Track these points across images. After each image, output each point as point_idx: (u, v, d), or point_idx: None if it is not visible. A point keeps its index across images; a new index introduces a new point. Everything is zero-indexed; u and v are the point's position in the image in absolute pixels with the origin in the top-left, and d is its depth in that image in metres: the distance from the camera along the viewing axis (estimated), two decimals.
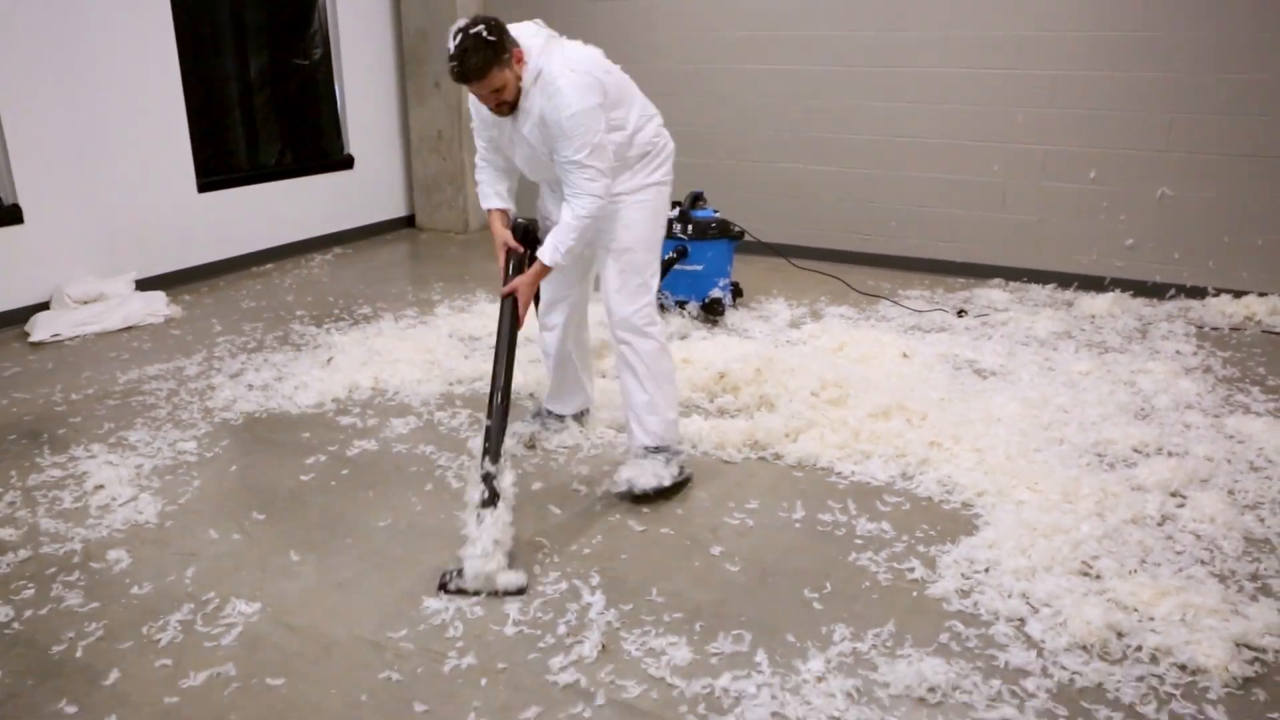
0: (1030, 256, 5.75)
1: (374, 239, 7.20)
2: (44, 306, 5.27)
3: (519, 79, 2.87)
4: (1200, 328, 4.94)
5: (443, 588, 2.69)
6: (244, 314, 5.33)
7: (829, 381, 3.86)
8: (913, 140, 5.89)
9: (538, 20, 3.03)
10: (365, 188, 7.14)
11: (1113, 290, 5.51)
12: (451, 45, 2.80)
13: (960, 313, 5.11)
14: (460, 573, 2.69)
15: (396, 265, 6.44)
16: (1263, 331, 4.90)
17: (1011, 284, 5.75)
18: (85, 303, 5.29)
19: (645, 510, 3.13)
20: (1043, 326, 4.86)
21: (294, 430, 3.81)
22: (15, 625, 2.61)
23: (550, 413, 3.72)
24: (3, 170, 5.10)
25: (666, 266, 4.59)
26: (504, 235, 3.18)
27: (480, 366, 4.35)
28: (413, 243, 7.15)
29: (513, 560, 2.76)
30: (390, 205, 7.41)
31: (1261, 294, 5.22)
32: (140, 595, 2.73)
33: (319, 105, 6.82)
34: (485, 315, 5.12)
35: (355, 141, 7.02)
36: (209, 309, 5.45)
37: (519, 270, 3.12)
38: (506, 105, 2.92)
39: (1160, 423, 3.73)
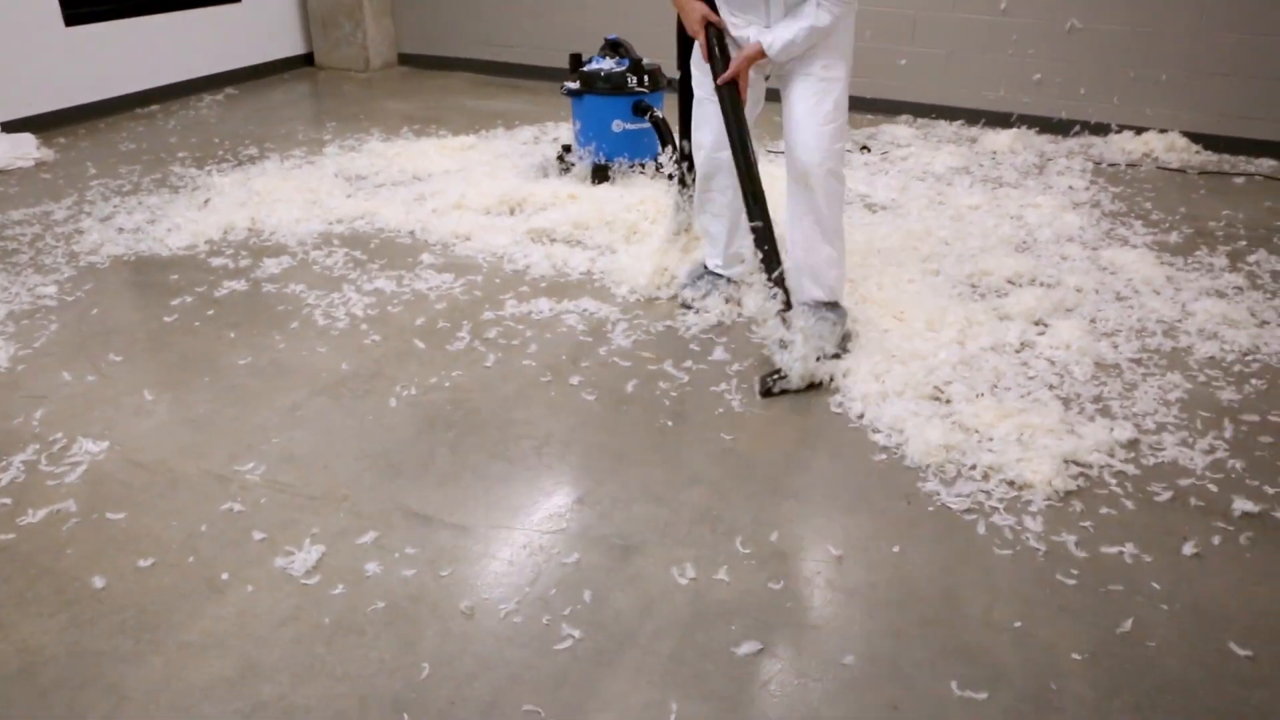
0: (938, 92, 5.65)
1: (269, 79, 6.85)
2: None
3: None
4: (1098, 164, 4.94)
5: (767, 392, 2.78)
6: (122, 156, 5.08)
7: None
8: None
9: None
10: (256, 23, 6.74)
11: (1019, 127, 5.45)
12: None
13: (863, 149, 5.03)
14: (781, 374, 2.79)
15: (289, 105, 6.15)
16: (1157, 168, 4.90)
17: (920, 120, 5.67)
18: None
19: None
20: (942, 162, 4.81)
21: (162, 273, 3.68)
22: None
23: (715, 273, 3.33)
24: None
25: (663, 132, 4.10)
26: (702, 8, 2.88)
27: (363, 205, 4.22)
28: (310, 82, 6.82)
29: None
30: (286, 43, 7.02)
31: (1162, 130, 5.20)
32: None
33: None
34: (375, 154, 4.94)
35: None
36: (85, 152, 5.18)
37: (722, 48, 2.87)
38: None
39: (1039, 255, 3.75)
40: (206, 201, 4.32)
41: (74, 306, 3.42)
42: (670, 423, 2.67)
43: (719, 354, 3.02)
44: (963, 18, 5.43)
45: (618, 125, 4.24)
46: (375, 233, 4.00)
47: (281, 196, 4.32)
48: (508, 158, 4.83)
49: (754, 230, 2.89)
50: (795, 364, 2.78)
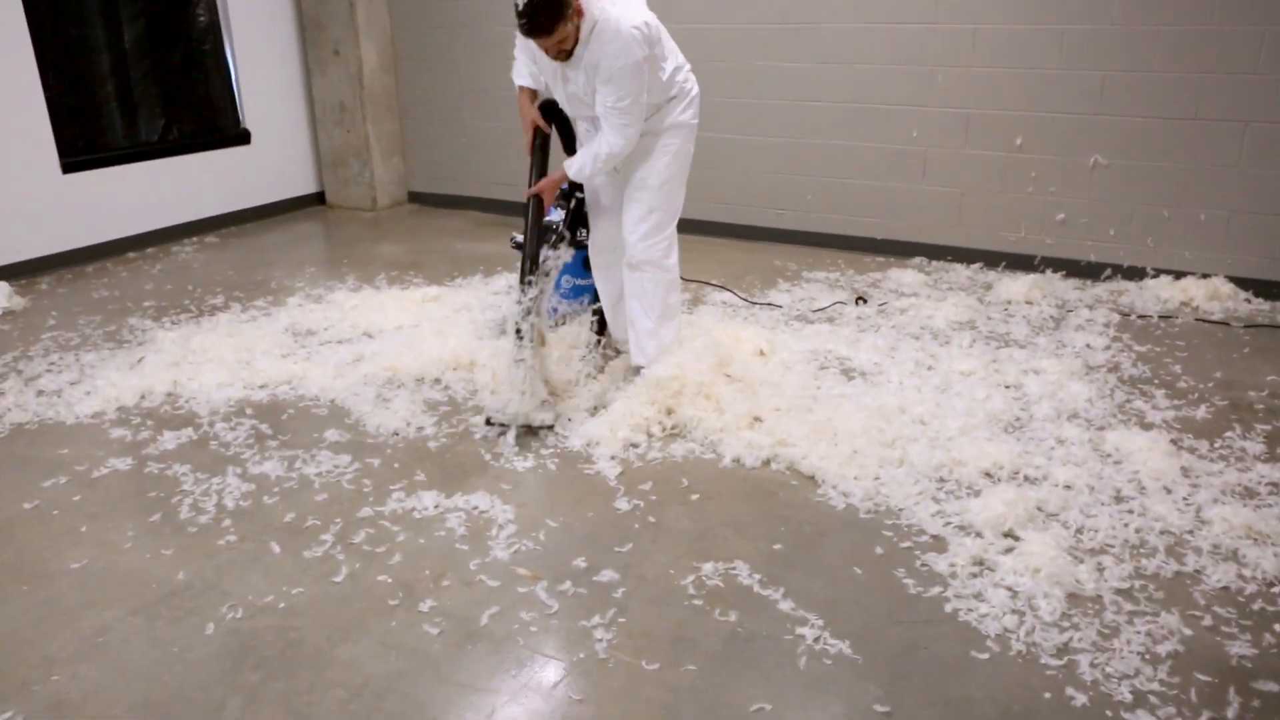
0: (953, 233, 5.17)
1: (277, 218, 6.78)
2: None
3: (578, 30, 3.08)
4: (1126, 315, 4.37)
5: (488, 421, 3.28)
6: (88, 305, 4.94)
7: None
8: (825, 105, 5.31)
9: None
10: (266, 164, 6.71)
11: (1043, 270, 4.93)
12: (520, 2, 2.99)
13: (859, 300, 4.57)
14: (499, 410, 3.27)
15: (278, 248, 6.01)
16: (1196, 320, 4.31)
17: (934, 263, 5.19)
18: None
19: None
20: (944, 315, 4.31)
21: (56, 445, 3.41)
22: None
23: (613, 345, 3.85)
24: None
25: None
26: (532, 112, 3.47)
27: (293, 368, 3.92)
28: (314, 222, 6.71)
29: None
30: (297, 182, 6.97)
31: (1204, 275, 4.61)
32: None
33: (208, 76, 6.37)
34: (336, 306, 4.69)
35: (252, 114, 6.57)
36: (56, 300, 5.07)
37: (543, 150, 3.49)
38: (565, 53, 3.15)
39: (1030, 438, 3.20)
40: (140, 360, 4.08)
41: None
42: (514, 672, 2.19)
43: (608, 574, 2.54)
44: (976, 154, 4.99)
45: (568, 281, 3.89)
46: (294, 401, 3.69)
47: (215, 356, 4.05)
48: (469, 311, 4.51)
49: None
50: (513, 401, 3.27)
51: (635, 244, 3.42)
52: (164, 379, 3.86)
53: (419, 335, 4.16)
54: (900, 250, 5.31)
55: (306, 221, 6.72)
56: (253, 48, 6.49)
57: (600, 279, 3.72)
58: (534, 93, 3.50)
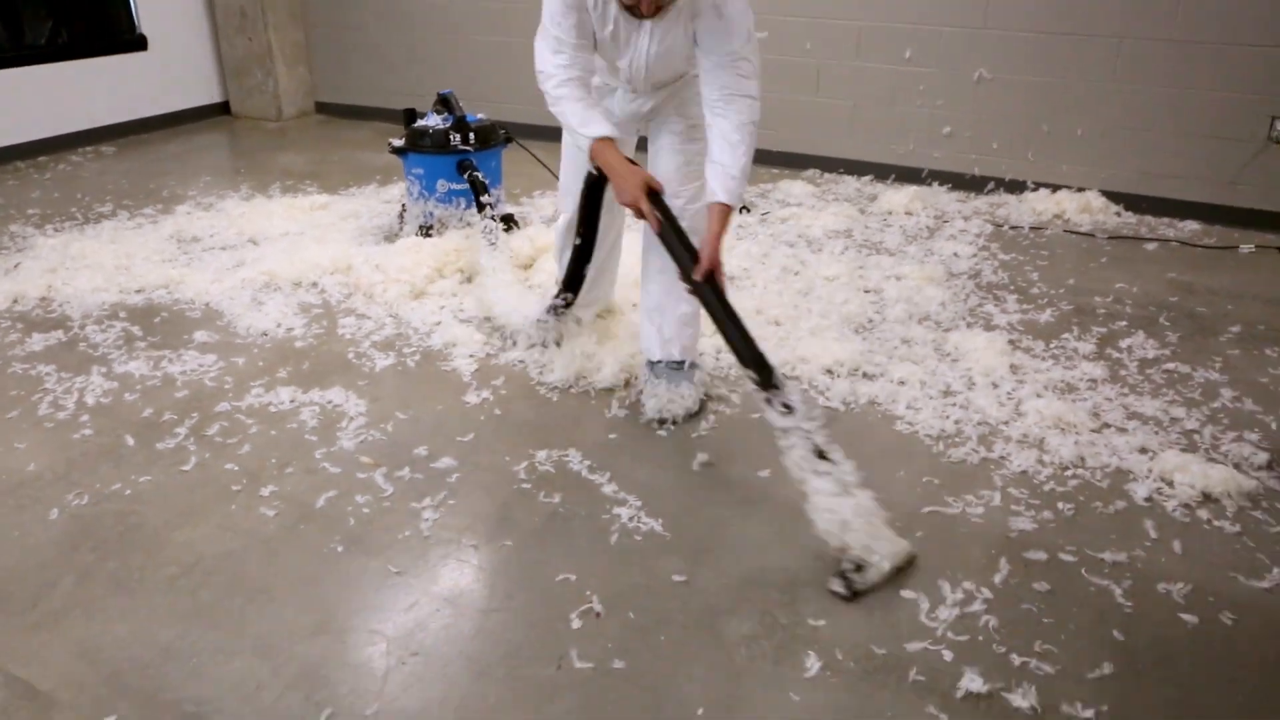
0: (845, 145, 5.26)
1: (178, 128, 6.65)
2: None
3: None
4: (999, 226, 4.51)
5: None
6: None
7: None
8: None
9: None
10: (165, 72, 6.56)
11: (930, 184, 5.05)
12: None
13: (744, 209, 4.65)
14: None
15: (178, 158, 5.92)
16: (1064, 231, 4.46)
17: (826, 175, 5.28)
18: None
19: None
20: (823, 225, 4.42)
21: None
22: None
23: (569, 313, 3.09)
24: None
25: (479, 189, 3.84)
26: (642, 173, 2.49)
27: (171, 273, 3.93)
28: (218, 133, 6.61)
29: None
30: (198, 91, 6.83)
31: (1079, 189, 4.76)
32: None
33: None
34: (224, 214, 4.67)
35: (149, 20, 6.40)
36: None
37: (667, 214, 2.47)
38: (661, 6, 2.38)
39: (877, 338, 3.34)
40: (16, 266, 4.06)
41: None
42: (340, 548, 2.30)
43: (446, 461, 2.64)
44: (867, 67, 5.05)
45: (443, 185, 3.92)
46: (170, 304, 3.70)
47: (93, 262, 4.04)
48: (356, 219, 4.52)
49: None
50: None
51: (685, 207, 2.68)
52: (38, 284, 3.85)
53: (302, 242, 4.18)
54: (794, 162, 5.39)
55: (210, 132, 6.61)
56: None
57: (606, 221, 2.90)
58: (616, 144, 2.54)
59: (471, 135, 3.90)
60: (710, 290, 2.44)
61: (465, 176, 3.85)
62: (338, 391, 3.01)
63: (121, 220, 4.65)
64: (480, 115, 4.09)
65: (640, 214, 2.49)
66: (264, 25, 6.48)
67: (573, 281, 2.93)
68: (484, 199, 3.78)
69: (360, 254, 3.92)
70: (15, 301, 3.75)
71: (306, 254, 3.99)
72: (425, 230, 3.97)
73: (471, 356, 3.22)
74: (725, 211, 2.45)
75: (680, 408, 2.80)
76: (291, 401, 2.96)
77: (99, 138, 6.24)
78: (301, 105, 6.86)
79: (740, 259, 4.00)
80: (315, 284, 3.82)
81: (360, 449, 2.71)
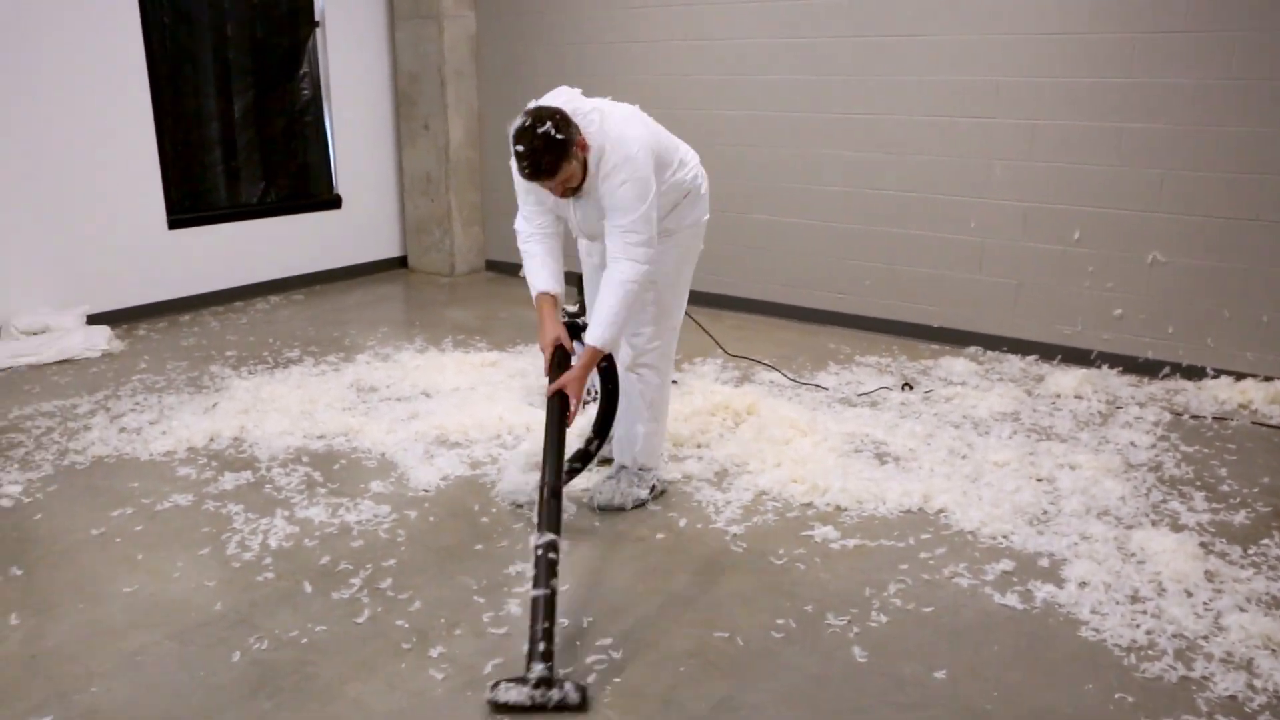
0: (1009, 324, 5.18)
1: (361, 279, 7.15)
2: None
3: (584, 165, 2.89)
4: (1179, 414, 4.30)
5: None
6: (177, 352, 5.30)
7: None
8: (886, 193, 5.43)
9: (566, 88, 3.02)
10: (354, 227, 7.11)
11: (1099, 366, 4.90)
12: (520, 145, 2.79)
13: (904, 386, 4.61)
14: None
15: (359, 308, 6.34)
16: (1252, 423, 4.22)
17: (988, 354, 5.19)
18: (32, 334, 5.37)
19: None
20: (989, 405, 4.32)
21: (128, 478, 3.68)
22: None
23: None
24: None
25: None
26: (557, 330, 3.05)
27: (351, 421, 4.15)
28: (395, 284, 7.06)
29: None
30: (382, 245, 7.36)
31: (1266, 378, 4.53)
32: None
33: (307, 146, 6.84)
34: (400, 365, 4.94)
35: (345, 182, 7.00)
36: (150, 345, 5.45)
37: (561, 368, 2.98)
38: (572, 190, 2.95)
39: (1054, 533, 3.19)
40: (214, 406, 4.37)
41: (21, 510, 3.43)
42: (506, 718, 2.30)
43: (610, 635, 2.63)
44: (1034, 247, 5.02)
45: None
46: (348, 452, 3.90)
47: (281, 406, 4.32)
48: (524, 377, 4.70)
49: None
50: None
51: (640, 345, 3.21)
52: (232, 424, 4.13)
53: (472, 398, 4.35)
54: (955, 339, 5.34)
55: (388, 284, 7.07)
56: (350, 120, 6.94)
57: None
58: (556, 299, 3.08)
59: None
60: (556, 405, 2.89)
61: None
62: (504, 543, 3.06)
63: (307, 366, 4.97)
64: None
65: (548, 363, 3.02)
66: (446, 188, 6.99)
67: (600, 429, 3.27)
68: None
69: (530, 414, 4.04)
70: (212, 440, 4.02)
71: (476, 410, 4.15)
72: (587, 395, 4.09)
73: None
74: (594, 354, 2.94)
75: (626, 500, 3.32)
76: (457, 558, 3.03)
77: (290, 286, 6.76)
78: (473, 263, 7.28)
79: (905, 439, 3.93)
80: (482, 441, 3.96)
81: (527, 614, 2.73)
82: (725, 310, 5.96)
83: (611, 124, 2.92)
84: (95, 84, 5.60)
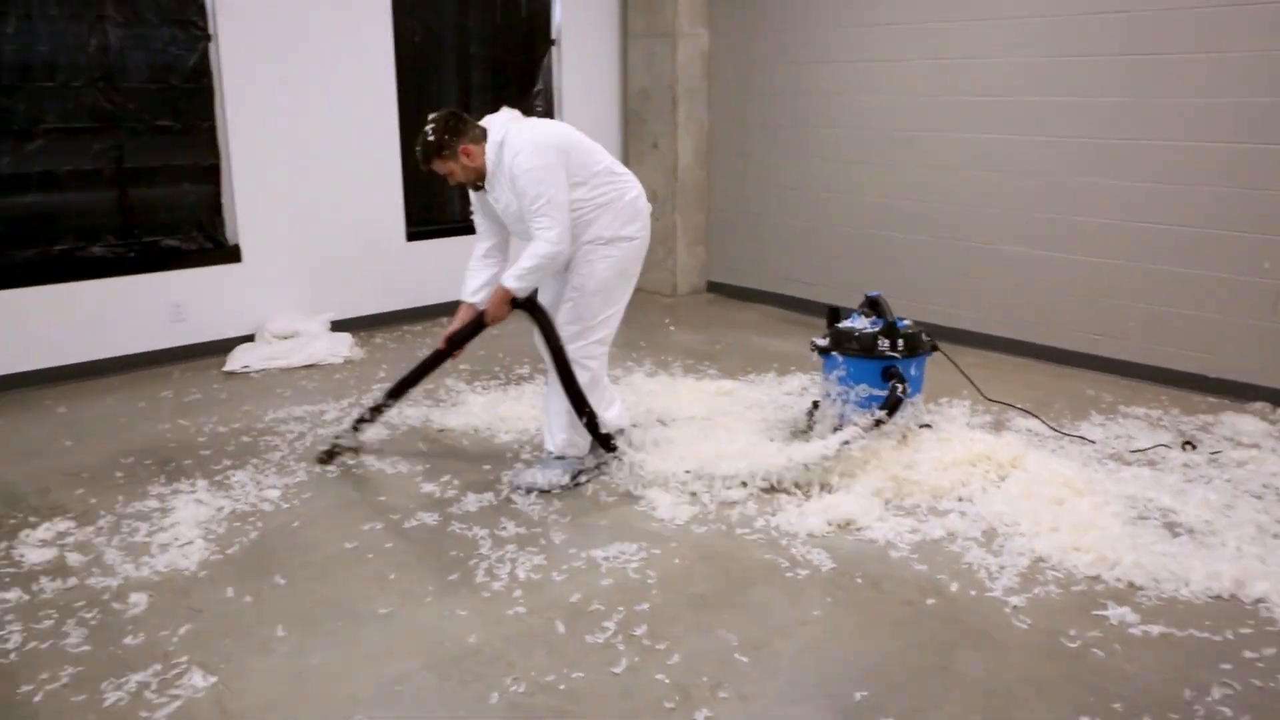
0: None
1: None
2: (250, 339, 5.66)
3: (468, 168, 3.50)
4: None
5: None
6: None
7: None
8: (1155, 227, 4.91)
9: (507, 109, 3.62)
10: None
11: None
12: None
13: (1185, 445, 4.12)
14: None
15: None
16: None
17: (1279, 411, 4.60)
18: (283, 338, 5.63)
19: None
20: None
21: (375, 490, 3.74)
22: (12, 656, 2.67)
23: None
24: (229, 212, 5.58)
25: (895, 407, 3.72)
26: (451, 328, 3.74)
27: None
28: None
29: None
30: None
31: None
32: (127, 646, 2.71)
33: None
34: (634, 389, 4.85)
35: None
36: (388, 354, 5.61)
37: (428, 366, 3.93)
38: (470, 184, 3.58)
39: None
40: (440, 431, 4.40)
41: (280, 515, 3.52)
42: None
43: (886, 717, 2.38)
44: None
45: (864, 390, 3.80)
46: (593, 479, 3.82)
47: (518, 427, 4.33)
48: (761, 409, 4.50)
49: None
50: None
51: (566, 338, 3.61)
52: (471, 439, 4.14)
53: (710, 429, 4.19)
54: (1237, 392, 4.76)
55: None
56: None
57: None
58: (472, 309, 3.69)
59: (900, 341, 3.78)
60: (440, 354, 3.83)
61: (889, 386, 3.71)
62: (760, 593, 2.87)
63: (539, 384, 4.95)
64: (905, 320, 3.96)
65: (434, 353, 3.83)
66: (672, 207, 6.91)
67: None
68: (897, 413, 3.73)
69: (771, 448, 3.85)
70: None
71: (716, 442, 3.99)
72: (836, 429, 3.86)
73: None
74: (500, 291, 3.51)
75: (539, 483, 3.68)
76: (712, 608, 2.86)
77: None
78: (695, 283, 7.17)
79: (1197, 508, 3.48)
80: (725, 476, 3.78)
81: (794, 680, 2.52)
82: (967, 346, 5.55)
83: (518, 127, 3.46)
84: (350, 102, 5.84)
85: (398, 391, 3.98)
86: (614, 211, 3.61)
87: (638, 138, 7.05)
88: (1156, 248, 4.93)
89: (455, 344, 3.71)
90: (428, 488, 3.75)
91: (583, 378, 3.63)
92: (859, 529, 3.36)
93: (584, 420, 3.62)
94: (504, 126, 3.48)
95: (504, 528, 3.40)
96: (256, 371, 5.30)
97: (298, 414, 4.58)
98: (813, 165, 6.40)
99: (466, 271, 3.76)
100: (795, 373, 5.17)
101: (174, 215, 5.46)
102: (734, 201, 6.94)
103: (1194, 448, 4.09)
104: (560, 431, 3.72)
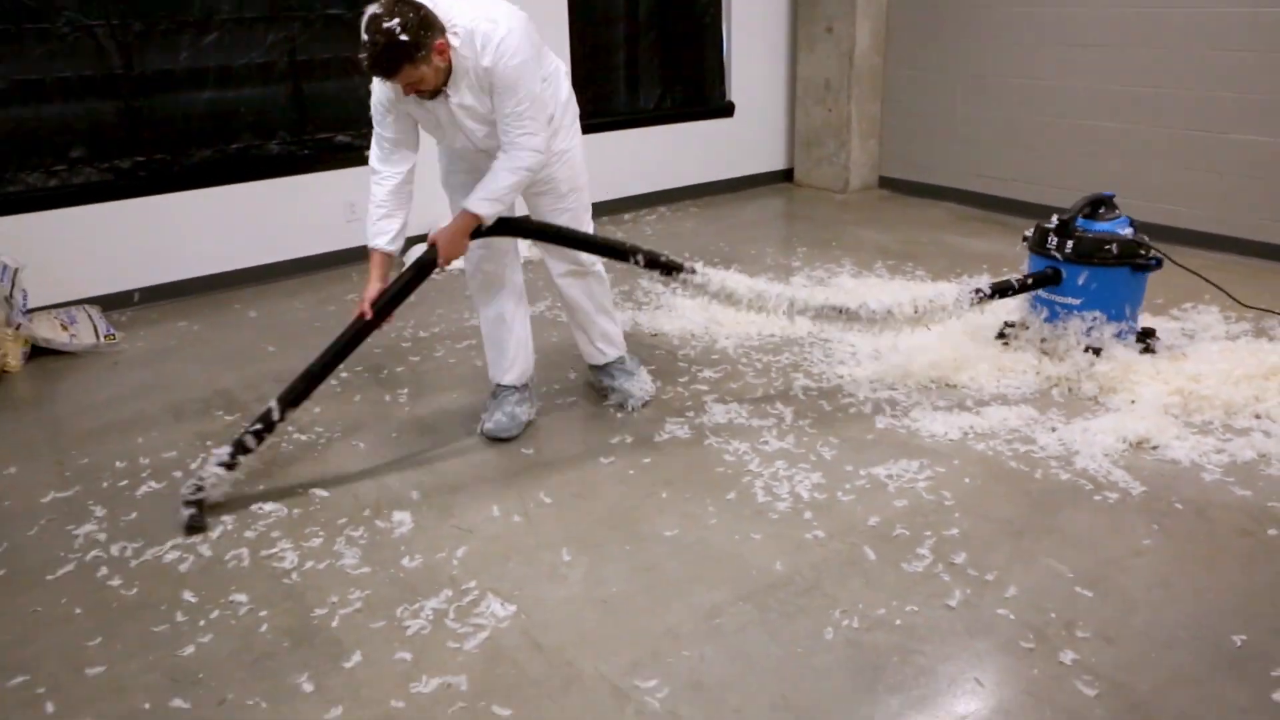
0: None
1: (746, 192, 6.82)
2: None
3: (440, 70, 2.69)
4: None
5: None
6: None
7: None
8: None
9: None
10: (743, 138, 6.76)
11: None
12: (365, 34, 2.57)
13: None
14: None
15: (761, 224, 6.01)
16: None
17: None
18: None
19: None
20: None
21: (605, 416, 3.51)
22: (294, 576, 2.57)
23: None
24: None
25: (1022, 287, 3.57)
26: (373, 291, 2.91)
27: (814, 354, 3.80)
28: (786, 199, 6.67)
29: None
30: (768, 158, 6.97)
31: None
32: (408, 569, 2.58)
33: (704, 49, 6.50)
34: (845, 290, 4.54)
35: (738, 88, 6.63)
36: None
37: (351, 342, 2.96)
38: (427, 93, 2.75)
39: None
40: (655, 336, 4.18)
41: (538, 438, 3.34)
42: None
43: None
44: None
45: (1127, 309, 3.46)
46: (827, 390, 3.56)
47: (733, 332, 4.09)
48: (987, 312, 4.14)
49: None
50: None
51: (580, 255, 3.27)
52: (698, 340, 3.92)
53: (945, 334, 3.87)
54: None
55: (776, 198, 6.69)
56: (747, 22, 6.52)
57: (483, 301, 3.31)
58: (390, 258, 2.93)
59: (1069, 244, 3.51)
60: (365, 327, 2.92)
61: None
62: (1073, 518, 2.61)
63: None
64: (1127, 225, 3.54)
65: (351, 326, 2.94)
66: (847, 97, 6.45)
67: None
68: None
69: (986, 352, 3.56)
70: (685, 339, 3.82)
71: (960, 348, 3.69)
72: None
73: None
74: (470, 218, 2.85)
75: (642, 394, 3.49)
76: (1028, 534, 2.60)
77: (678, 197, 6.54)
78: (866, 179, 6.74)
79: None
80: (956, 385, 3.49)
81: (1154, 619, 2.26)
82: (1198, 249, 5.02)
83: (472, 9, 2.72)
84: None
85: (297, 395, 2.94)
86: (571, 111, 3.19)
87: (809, 21, 6.54)
88: None
89: (384, 311, 2.92)
90: (666, 395, 3.55)
91: (601, 286, 3.39)
92: (1154, 447, 3.05)
93: (639, 258, 3.21)
94: (465, 14, 2.71)
95: (765, 442, 3.17)
96: (438, 273, 5.11)
97: None
98: (1002, 50, 5.84)
99: (372, 211, 2.93)
100: (1007, 273, 4.77)
101: (345, 110, 5.24)
102: (913, 91, 6.42)
103: None
104: (613, 328, 3.47)
